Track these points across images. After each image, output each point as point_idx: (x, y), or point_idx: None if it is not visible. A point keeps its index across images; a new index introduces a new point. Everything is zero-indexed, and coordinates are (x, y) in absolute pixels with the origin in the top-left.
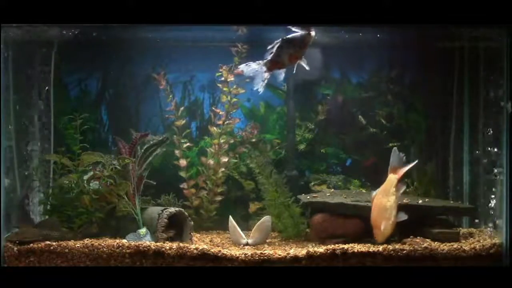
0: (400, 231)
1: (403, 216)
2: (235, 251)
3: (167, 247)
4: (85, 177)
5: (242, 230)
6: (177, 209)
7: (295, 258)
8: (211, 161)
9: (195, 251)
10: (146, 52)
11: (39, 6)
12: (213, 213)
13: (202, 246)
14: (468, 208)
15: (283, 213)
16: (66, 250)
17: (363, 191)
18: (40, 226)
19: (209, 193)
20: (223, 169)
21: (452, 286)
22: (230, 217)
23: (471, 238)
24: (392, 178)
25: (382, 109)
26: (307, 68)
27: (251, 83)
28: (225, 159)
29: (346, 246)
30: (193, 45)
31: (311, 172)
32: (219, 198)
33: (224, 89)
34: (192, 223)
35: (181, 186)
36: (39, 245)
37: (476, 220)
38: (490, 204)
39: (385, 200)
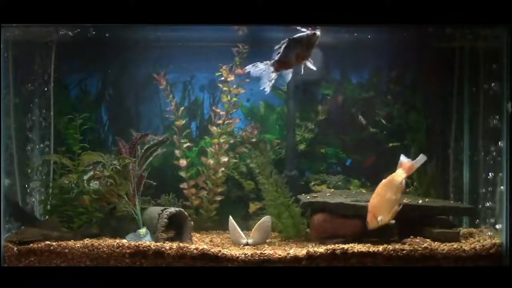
0: (400, 231)
1: (398, 207)
2: (235, 251)
3: (167, 247)
4: (85, 177)
5: (242, 230)
6: (177, 209)
7: (295, 258)
8: (211, 161)
9: (195, 251)
10: (146, 52)
11: (39, 6)
12: (213, 213)
13: (202, 246)
14: (468, 208)
15: (283, 213)
16: (66, 250)
17: (363, 191)
18: (40, 226)
19: (209, 193)
20: (223, 169)
21: (452, 286)
22: (230, 217)
23: (471, 238)
24: (401, 173)
25: (382, 109)
26: (314, 68)
27: (251, 83)
28: (225, 159)
29: (346, 246)
30: (193, 45)
31: (311, 172)
32: (219, 198)
33: (224, 88)
34: (192, 223)
35: (181, 186)
36: (39, 245)
37: (477, 221)
38: (489, 204)
39: (390, 193)
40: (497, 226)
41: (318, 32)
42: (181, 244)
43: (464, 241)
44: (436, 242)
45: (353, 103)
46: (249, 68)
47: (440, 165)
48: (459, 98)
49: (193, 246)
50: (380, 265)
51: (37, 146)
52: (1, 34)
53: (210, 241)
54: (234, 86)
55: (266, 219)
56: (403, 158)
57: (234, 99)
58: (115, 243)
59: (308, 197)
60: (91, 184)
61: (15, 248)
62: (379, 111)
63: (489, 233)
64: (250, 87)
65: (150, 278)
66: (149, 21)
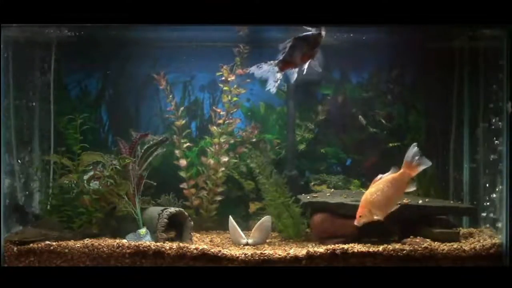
0: (400, 231)
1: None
2: (235, 251)
3: (167, 247)
4: (85, 177)
5: (242, 230)
6: (177, 209)
7: (295, 258)
8: (211, 161)
9: (195, 251)
10: (146, 52)
11: (39, 6)
12: (213, 213)
13: (202, 246)
14: (468, 208)
15: (283, 213)
16: (66, 250)
17: (363, 191)
18: (40, 226)
19: (209, 193)
20: (223, 169)
21: (452, 286)
22: (230, 217)
23: (471, 238)
24: (406, 173)
25: (382, 109)
26: (320, 68)
27: (251, 83)
28: (225, 159)
29: (346, 246)
30: (193, 45)
31: (311, 172)
32: (219, 198)
33: (225, 88)
34: (192, 223)
35: (181, 186)
36: (39, 245)
37: (483, 214)
38: (489, 204)
39: (391, 192)
40: (498, 225)
41: (323, 32)
42: (181, 244)
43: (464, 241)
44: (436, 242)
45: (353, 103)
46: (253, 69)
47: (440, 165)
48: (459, 98)
49: (193, 246)
50: (380, 265)
51: (37, 146)
52: (1, 34)
53: (210, 241)
54: (235, 86)
55: (266, 219)
56: (409, 156)
57: (235, 98)
58: (115, 243)
59: (308, 197)
60: (91, 184)
61: (15, 248)
62: (379, 111)
63: (490, 232)
64: (250, 87)
65: (150, 278)
66: (149, 21)
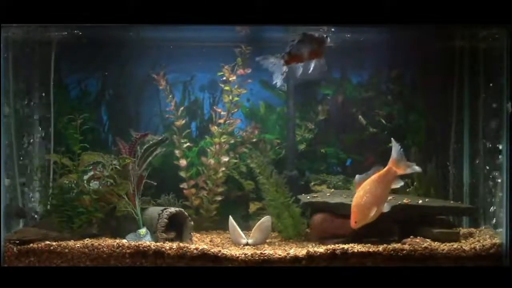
0: (400, 231)
1: (387, 208)
2: (235, 251)
3: (167, 247)
4: (85, 177)
5: (242, 230)
6: (177, 209)
7: (295, 258)
8: (211, 161)
9: (195, 251)
10: (146, 52)
11: (39, 6)
12: (213, 213)
13: (202, 246)
14: (468, 208)
15: (283, 213)
16: (66, 250)
17: None
18: (40, 226)
19: (209, 193)
20: (223, 169)
21: (452, 286)
22: (230, 217)
23: (471, 238)
24: (393, 171)
25: (382, 109)
26: (325, 67)
27: (251, 84)
28: (225, 159)
29: (346, 246)
30: (193, 45)
31: (311, 172)
32: (219, 198)
33: (226, 88)
34: (192, 223)
35: (181, 186)
36: (39, 245)
37: (483, 214)
38: (490, 203)
39: (380, 190)
40: (497, 226)
41: (328, 39)
42: (181, 244)
43: (464, 241)
44: (436, 242)
45: (353, 103)
46: (259, 59)
47: (440, 165)
48: (459, 98)
49: (193, 246)
50: (380, 265)
51: (37, 146)
52: (1, 34)
53: (210, 241)
54: (236, 86)
55: (266, 219)
56: (394, 153)
57: (236, 98)
58: (115, 243)
59: (308, 197)
60: (91, 184)
61: (15, 248)
62: (379, 111)
63: (490, 232)
64: (250, 87)
65: (150, 278)
66: (149, 21)
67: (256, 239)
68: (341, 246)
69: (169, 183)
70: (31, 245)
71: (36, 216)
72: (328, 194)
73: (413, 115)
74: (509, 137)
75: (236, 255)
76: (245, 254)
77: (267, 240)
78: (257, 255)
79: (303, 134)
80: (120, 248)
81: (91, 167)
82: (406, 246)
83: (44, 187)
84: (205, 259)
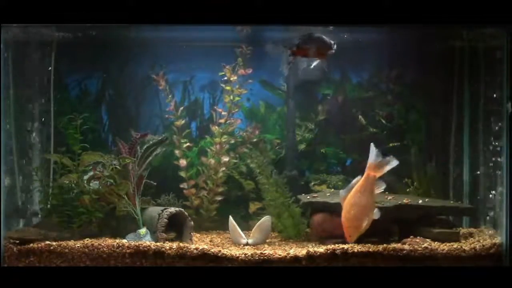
0: (400, 231)
1: (377, 214)
2: (235, 251)
3: (167, 247)
4: (85, 177)
5: (242, 230)
6: (177, 209)
7: (295, 258)
8: (212, 161)
9: (195, 251)
10: (146, 52)
11: (39, 6)
12: (213, 213)
13: (202, 246)
14: (468, 208)
15: (283, 213)
16: (66, 250)
17: None
18: (40, 226)
19: (209, 193)
20: (223, 169)
21: (452, 286)
22: (230, 217)
23: (471, 238)
24: (371, 176)
25: (382, 109)
26: (326, 68)
27: (252, 84)
28: (226, 159)
29: (346, 246)
30: (193, 45)
31: (311, 172)
32: (219, 198)
33: (227, 88)
34: (192, 223)
35: (181, 186)
36: (39, 245)
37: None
38: (489, 203)
39: (364, 199)
40: (497, 226)
41: (335, 47)
42: (181, 244)
43: (464, 241)
44: (436, 242)
45: (353, 103)
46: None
47: (440, 165)
48: (459, 98)
49: (193, 246)
50: (380, 265)
51: (38, 146)
52: (1, 34)
53: (210, 241)
54: (237, 86)
55: (266, 219)
56: (371, 157)
57: (237, 98)
58: (115, 243)
59: (308, 197)
60: (91, 184)
61: (15, 248)
62: (379, 111)
63: (489, 232)
64: (250, 87)
65: (150, 278)
66: (149, 21)
67: (256, 239)
68: (341, 246)
69: (169, 183)
70: (31, 245)
71: (39, 215)
72: (328, 194)
73: (413, 115)
74: (509, 137)
75: (236, 255)
76: (245, 254)
77: (267, 240)
78: (257, 255)
79: (303, 134)
80: (120, 248)
81: (91, 167)
82: (406, 246)
83: (44, 187)
84: (205, 259)
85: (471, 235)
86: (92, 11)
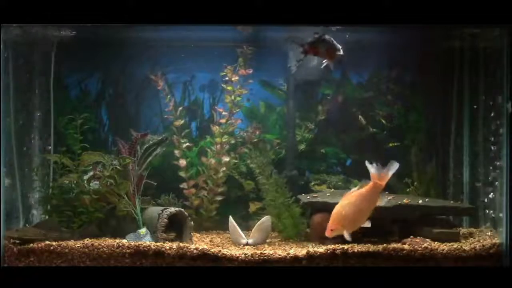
0: (400, 231)
1: (368, 224)
2: (235, 251)
3: (167, 247)
4: (85, 177)
5: (242, 230)
6: (177, 209)
7: (295, 258)
8: (212, 161)
9: (195, 251)
10: (146, 52)
11: (39, 6)
12: (213, 213)
13: (202, 246)
14: (468, 208)
15: (283, 213)
16: (66, 250)
17: None
18: (40, 226)
19: (209, 193)
20: (224, 169)
21: (452, 286)
22: (230, 217)
23: (471, 238)
24: (378, 185)
25: (382, 109)
26: (330, 70)
27: (252, 84)
28: (226, 159)
29: (346, 246)
30: (193, 45)
31: (311, 172)
32: (219, 198)
33: (228, 88)
34: (192, 223)
35: (181, 186)
36: (39, 245)
37: (483, 213)
38: (489, 203)
39: (364, 204)
40: (497, 226)
41: (342, 52)
42: (181, 244)
43: (464, 241)
44: (436, 242)
45: (353, 103)
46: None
47: (440, 165)
48: (459, 98)
49: (193, 246)
50: (380, 265)
51: (38, 146)
52: (1, 34)
53: (210, 241)
54: (238, 87)
55: (266, 219)
56: (372, 169)
57: (238, 98)
58: (115, 243)
59: (308, 197)
60: (91, 184)
61: (15, 248)
62: (379, 111)
63: (489, 232)
64: (250, 87)
65: (150, 278)
66: (149, 21)
67: (256, 239)
68: (341, 246)
69: (169, 183)
70: (31, 245)
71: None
72: (328, 194)
73: (413, 115)
74: (510, 137)
75: (236, 255)
76: (245, 254)
77: (267, 240)
78: (257, 255)
79: (303, 134)
80: (120, 248)
81: (91, 167)
82: (406, 246)
83: (44, 187)
84: (205, 259)
85: (471, 235)
86: (92, 11)
